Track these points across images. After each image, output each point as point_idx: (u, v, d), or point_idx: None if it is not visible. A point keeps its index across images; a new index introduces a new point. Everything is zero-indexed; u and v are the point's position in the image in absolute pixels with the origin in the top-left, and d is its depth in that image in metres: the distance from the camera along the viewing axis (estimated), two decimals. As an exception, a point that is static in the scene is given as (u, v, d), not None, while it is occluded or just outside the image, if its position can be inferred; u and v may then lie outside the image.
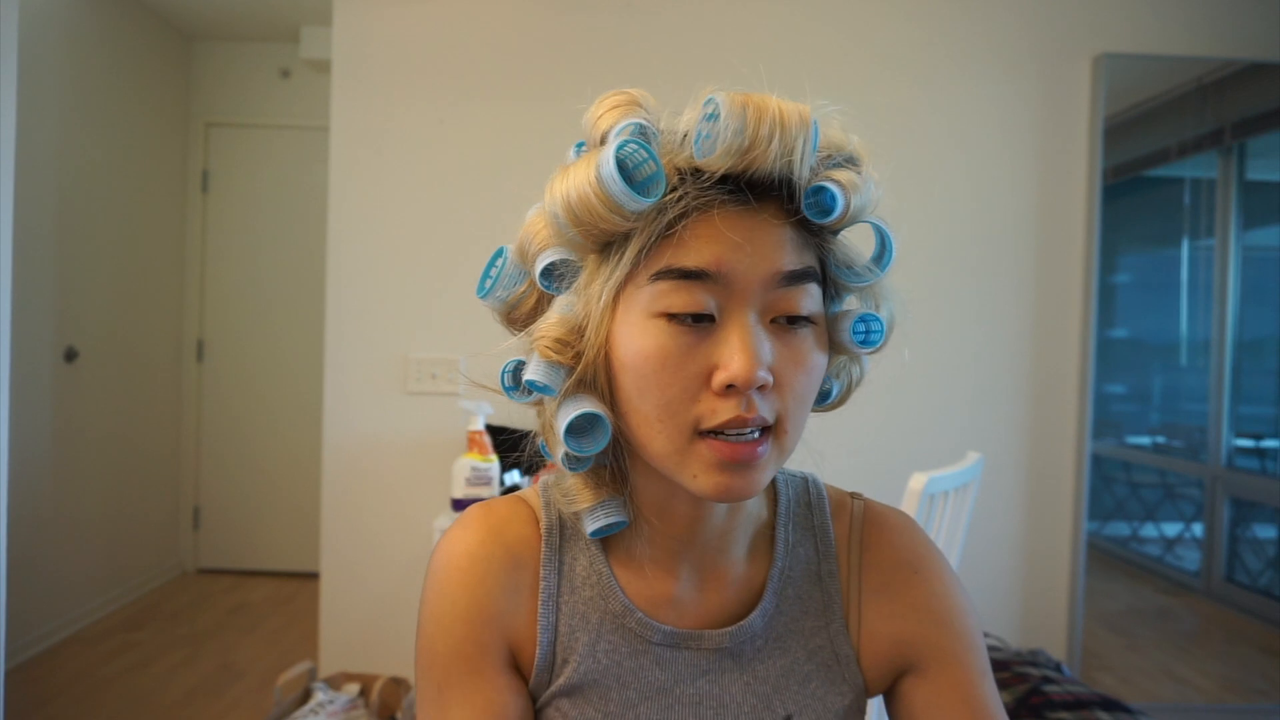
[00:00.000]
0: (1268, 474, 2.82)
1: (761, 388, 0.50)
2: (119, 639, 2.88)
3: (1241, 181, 2.68)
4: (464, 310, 2.37)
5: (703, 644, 0.59)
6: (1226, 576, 2.76)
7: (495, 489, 2.01)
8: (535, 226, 0.58)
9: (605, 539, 0.62)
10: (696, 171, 0.51)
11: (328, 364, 2.35)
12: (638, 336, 0.51)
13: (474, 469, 1.98)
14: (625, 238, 0.52)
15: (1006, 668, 2.11)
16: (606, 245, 0.54)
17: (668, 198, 0.51)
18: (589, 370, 0.54)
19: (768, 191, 0.52)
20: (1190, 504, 2.89)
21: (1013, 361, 2.43)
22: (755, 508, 0.64)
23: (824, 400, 0.62)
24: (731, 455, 0.51)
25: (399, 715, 2.04)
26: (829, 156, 0.53)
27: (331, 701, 1.94)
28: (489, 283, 0.60)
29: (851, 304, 0.60)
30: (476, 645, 0.58)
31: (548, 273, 0.56)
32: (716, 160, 0.50)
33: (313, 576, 3.44)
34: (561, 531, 0.62)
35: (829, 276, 0.57)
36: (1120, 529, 2.96)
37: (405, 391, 2.36)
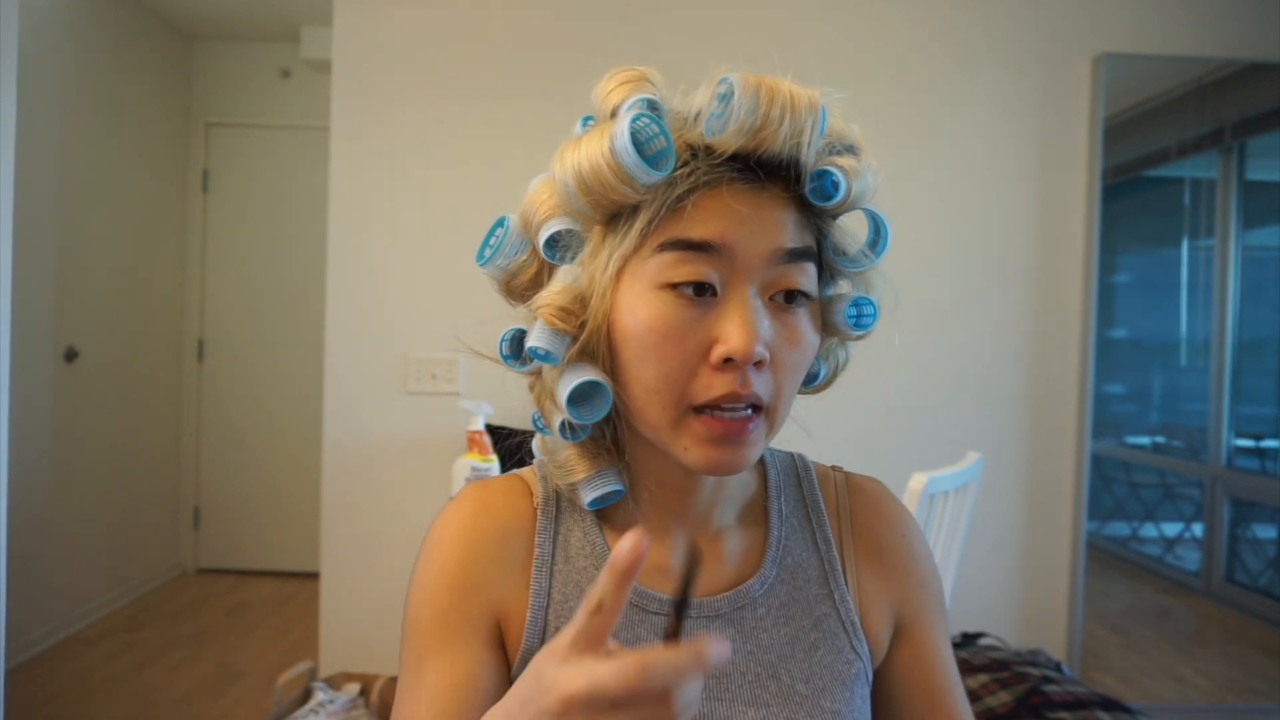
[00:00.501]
0: (1268, 474, 2.82)
1: (758, 364, 0.51)
2: (119, 639, 2.88)
3: (1241, 181, 2.68)
4: (464, 310, 2.37)
5: (700, 611, 0.60)
6: (1226, 576, 2.76)
7: (495, 489, 2.01)
8: (540, 196, 0.58)
9: (600, 511, 0.62)
10: (707, 149, 0.53)
11: (328, 364, 2.35)
12: (641, 307, 0.52)
13: (474, 469, 1.98)
14: (633, 210, 0.53)
15: (1006, 667, 2.11)
16: (614, 217, 0.54)
17: (678, 172, 0.52)
18: (592, 339, 0.55)
19: (774, 172, 0.53)
20: (1190, 504, 2.89)
21: (1013, 361, 2.43)
22: (744, 479, 0.65)
23: (811, 382, 0.64)
24: (723, 431, 0.52)
25: (399, 715, 2.04)
26: (831, 144, 0.55)
27: (331, 701, 1.94)
28: (489, 251, 0.61)
29: (844, 288, 0.61)
30: (460, 613, 0.58)
31: (551, 242, 0.57)
32: (728, 138, 0.51)
33: (313, 576, 3.44)
34: (558, 504, 0.62)
35: (824, 261, 0.58)
36: (1120, 529, 2.96)
37: (405, 391, 2.36)
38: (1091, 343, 2.41)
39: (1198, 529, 2.84)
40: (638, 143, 0.51)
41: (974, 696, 1.97)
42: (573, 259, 0.56)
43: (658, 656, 0.36)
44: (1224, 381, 2.68)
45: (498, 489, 0.64)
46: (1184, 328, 2.81)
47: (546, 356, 0.55)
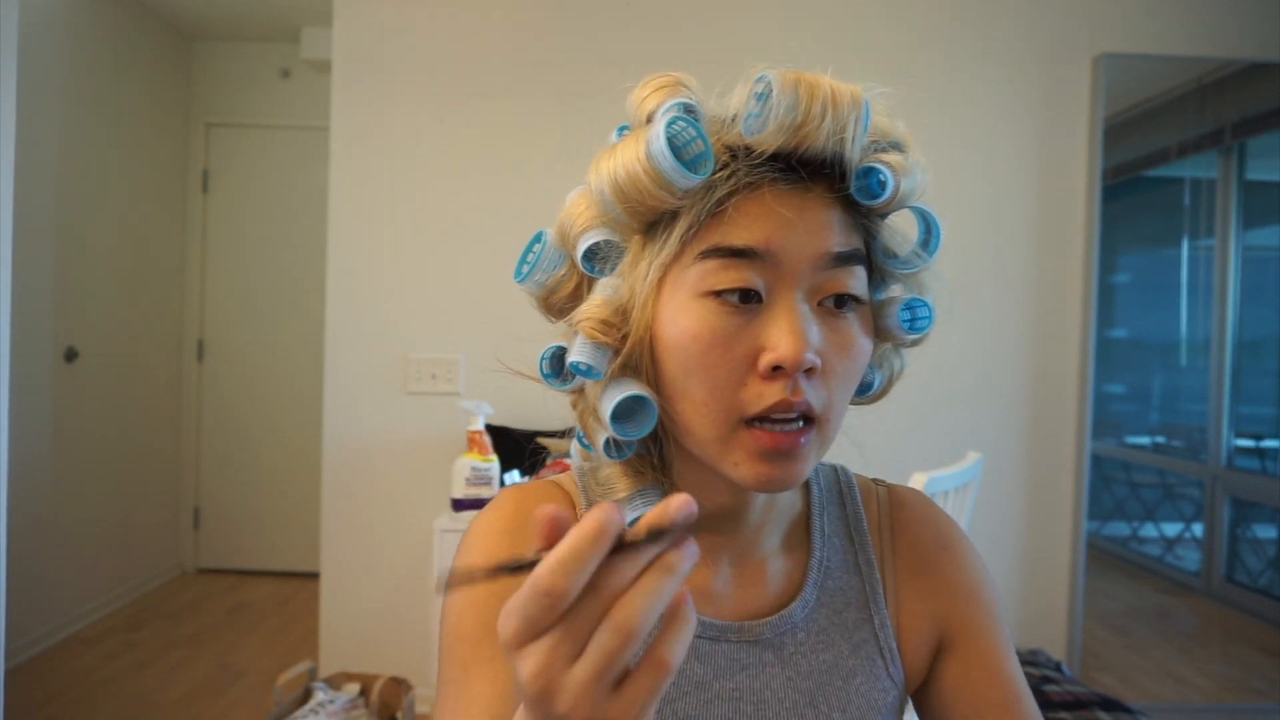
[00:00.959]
0: (1268, 474, 2.82)
1: (809, 371, 0.50)
2: (119, 639, 2.88)
3: (1241, 181, 2.68)
4: (464, 310, 2.37)
5: (742, 636, 0.58)
6: (1226, 576, 2.76)
7: (495, 489, 2.01)
8: (577, 208, 0.56)
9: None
10: (746, 150, 0.51)
11: (328, 364, 2.35)
12: (684, 317, 0.51)
13: (474, 469, 1.98)
14: (672, 216, 0.51)
15: (1006, 668, 2.11)
16: (652, 225, 0.53)
17: (717, 175, 0.50)
18: (634, 352, 0.53)
19: (818, 171, 0.52)
20: (1190, 504, 2.89)
21: (1013, 361, 2.43)
22: (791, 498, 0.63)
23: (865, 392, 0.61)
24: (774, 445, 0.50)
25: (399, 715, 2.04)
26: (875, 141, 0.53)
27: (331, 701, 1.94)
28: (527, 267, 0.58)
29: (896, 291, 0.59)
30: None
31: (590, 254, 0.55)
32: (768, 137, 0.49)
33: (313, 576, 3.43)
34: None
35: (874, 263, 0.56)
36: (1120, 529, 2.96)
37: (405, 391, 2.36)
38: (1091, 343, 2.41)
39: (1198, 529, 2.84)
40: (674, 147, 0.49)
41: (974, 696, 1.97)
42: (612, 270, 0.55)
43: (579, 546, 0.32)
44: (1224, 381, 2.68)
45: (538, 495, 0.61)
46: (1184, 328, 2.81)
47: (588, 371, 0.53)
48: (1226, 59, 2.49)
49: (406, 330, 2.36)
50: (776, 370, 0.49)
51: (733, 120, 0.52)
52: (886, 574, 0.63)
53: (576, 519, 0.57)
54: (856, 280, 0.52)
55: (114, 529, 3.16)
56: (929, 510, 0.66)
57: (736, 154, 0.51)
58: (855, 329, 0.53)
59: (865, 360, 0.54)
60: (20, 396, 2.08)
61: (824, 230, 0.51)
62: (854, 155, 0.51)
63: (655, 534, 0.34)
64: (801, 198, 0.51)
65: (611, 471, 0.58)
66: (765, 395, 0.49)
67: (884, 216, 0.56)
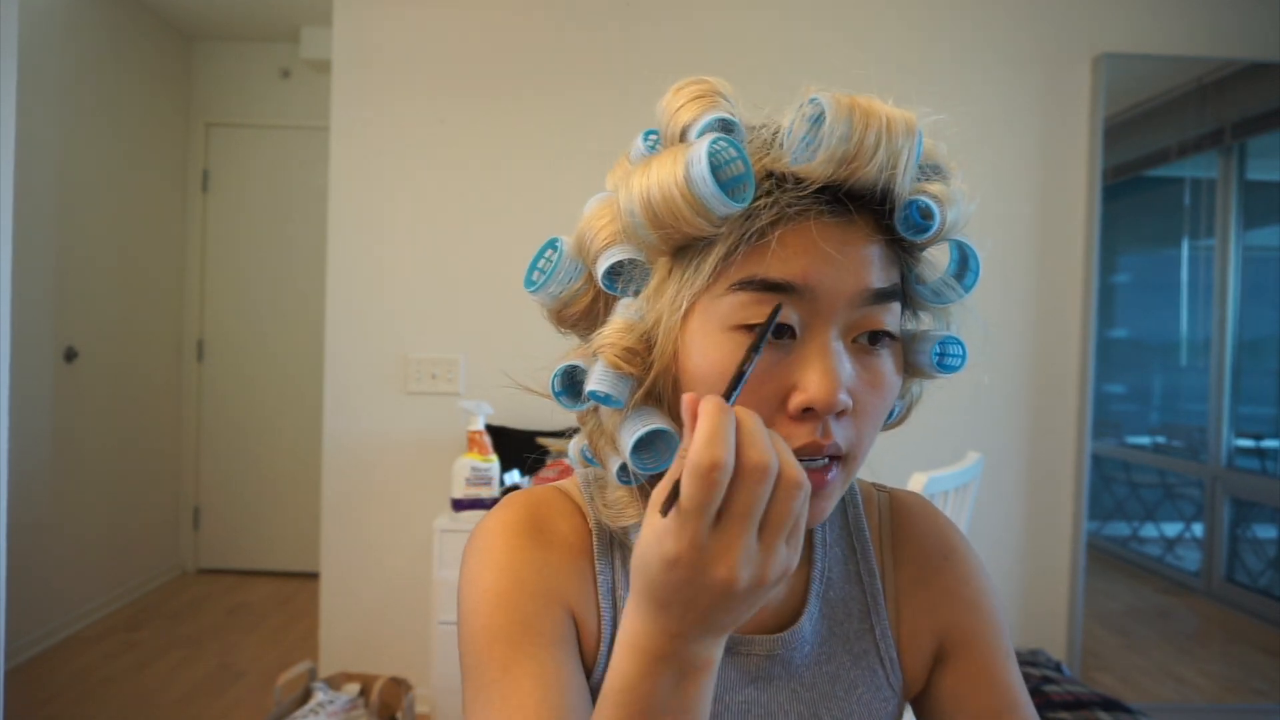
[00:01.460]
0: (1268, 474, 2.82)
1: (840, 413, 0.48)
2: (119, 639, 2.88)
3: (1241, 181, 2.68)
4: (464, 310, 2.37)
5: (753, 649, 0.57)
6: (1226, 576, 2.76)
7: (495, 489, 2.01)
8: (599, 221, 0.53)
9: None
10: (791, 177, 0.48)
11: (328, 364, 2.35)
12: (712, 350, 0.48)
13: (474, 469, 1.98)
14: (706, 243, 0.48)
15: (1006, 668, 2.11)
16: (682, 249, 0.49)
17: (759, 202, 0.47)
18: (658, 383, 0.51)
19: (865, 204, 0.49)
20: (1190, 504, 2.89)
21: (1013, 361, 2.43)
22: None
23: (887, 420, 0.59)
24: None
25: (399, 715, 2.04)
26: (922, 168, 0.50)
27: (331, 701, 1.94)
28: (539, 275, 0.55)
29: (926, 323, 0.57)
30: (546, 618, 0.53)
31: (612, 272, 0.52)
32: (818, 168, 0.46)
33: (313, 576, 3.43)
34: (609, 532, 0.59)
35: (908, 294, 0.53)
36: (1120, 529, 2.96)
37: (405, 391, 2.36)
38: (1091, 343, 2.40)
39: (1198, 529, 2.84)
40: (714, 168, 0.46)
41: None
42: (636, 292, 0.52)
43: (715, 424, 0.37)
44: (1224, 381, 2.68)
45: (550, 502, 0.59)
46: (1184, 328, 2.81)
47: (608, 400, 0.50)
48: (1226, 59, 2.49)
49: (406, 330, 2.36)
50: (807, 412, 0.47)
51: (773, 140, 0.49)
52: (888, 583, 0.62)
53: (588, 528, 0.57)
54: (892, 316, 0.50)
55: (114, 529, 3.16)
56: (931, 517, 0.65)
57: (780, 181, 0.48)
58: (888, 366, 0.51)
59: (894, 396, 0.52)
60: (20, 396, 2.08)
61: (865, 266, 0.48)
62: (903, 188, 0.48)
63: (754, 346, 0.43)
64: (845, 231, 0.48)
65: (621, 495, 0.56)
66: (794, 436, 0.47)
67: (923, 249, 0.53)
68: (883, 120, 0.46)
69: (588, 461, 0.59)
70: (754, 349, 0.43)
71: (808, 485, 0.39)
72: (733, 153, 0.47)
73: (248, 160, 3.66)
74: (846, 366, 0.48)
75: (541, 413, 2.29)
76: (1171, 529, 2.92)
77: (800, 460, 0.47)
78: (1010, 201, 2.42)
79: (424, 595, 2.25)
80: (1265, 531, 2.81)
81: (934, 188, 0.49)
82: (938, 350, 0.56)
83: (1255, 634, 2.66)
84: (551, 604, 0.54)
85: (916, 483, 1.48)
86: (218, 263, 3.67)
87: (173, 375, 3.59)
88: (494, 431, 2.18)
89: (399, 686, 2.06)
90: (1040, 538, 2.43)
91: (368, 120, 2.34)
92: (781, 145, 0.48)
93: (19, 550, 1.71)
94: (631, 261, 0.52)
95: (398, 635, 2.34)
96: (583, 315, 0.56)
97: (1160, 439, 2.98)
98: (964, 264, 0.53)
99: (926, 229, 0.49)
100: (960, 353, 0.56)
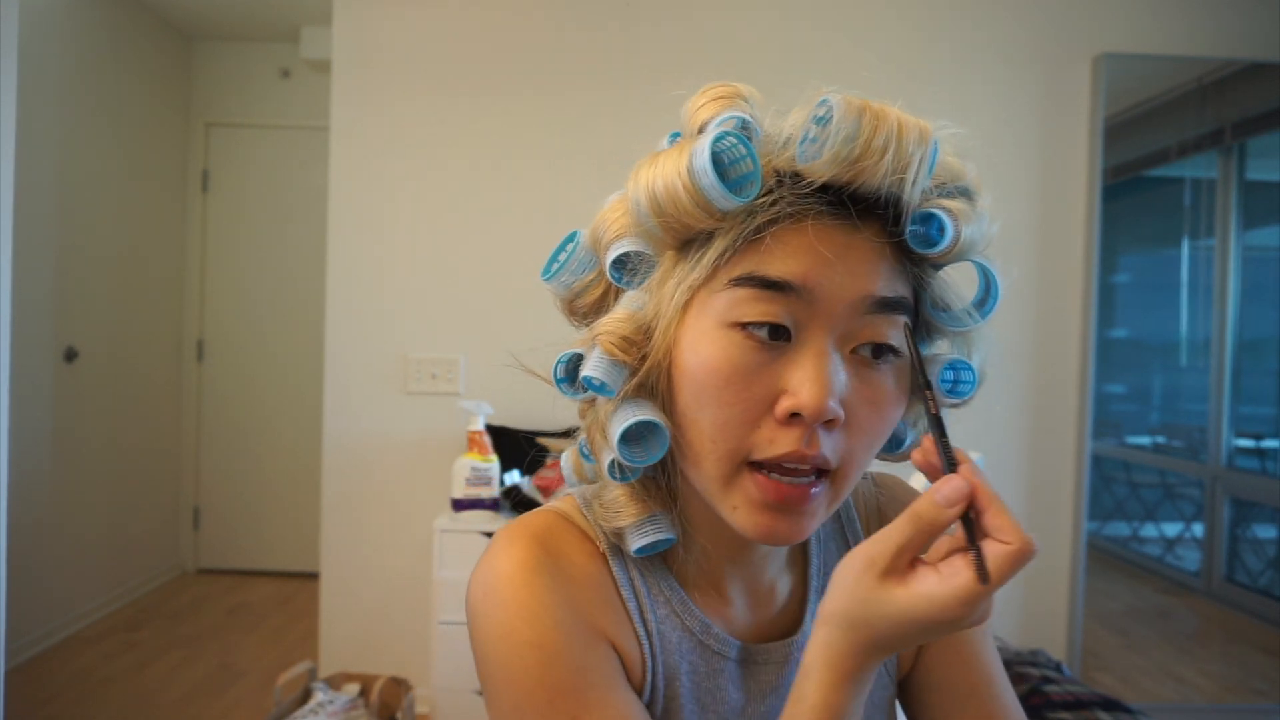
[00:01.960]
0: (1268, 474, 2.82)
1: (830, 422, 0.47)
2: (119, 639, 2.88)
3: (1241, 181, 2.68)
4: (464, 310, 2.37)
5: (770, 658, 0.58)
6: (1226, 576, 2.76)
7: (495, 489, 2.01)
8: (613, 214, 0.53)
9: (653, 560, 0.57)
10: (796, 176, 0.47)
11: (328, 364, 2.35)
12: (705, 345, 0.48)
13: (474, 469, 1.98)
14: (708, 237, 0.48)
15: (1007, 668, 2.11)
16: (686, 243, 0.49)
17: (760, 200, 0.47)
18: (652, 374, 0.50)
19: (871, 209, 0.48)
20: (1190, 504, 2.89)
21: (1013, 361, 2.43)
22: None
23: (895, 448, 0.58)
24: (777, 496, 0.47)
25: (399, 715, 2.04)
26: (943, 184, 0.49)
27: (331, 701, 1.94)
28: (556, 266, 0.55)
29: (941, 348, 0.55)
30: (594, 655, 0.51)
31: (619, 264, 0.52)
32: (821, 166, 0.46)
33: (313, 576, 3.43)
34: (620, 549, 0.57)
35: (921, 315, 0.52)
36: (1120, 529, 2.96)
37: (405, 391, 2.36)
38: (1091, 343, 2.40)
39: (1198, 529, 2.84)
40: (720, 164, 0.46)
41: (974, 696, 1.97)
42: (641, 284, 0.52)
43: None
44: (1224, 381, 2.67)
45: (556, 531, 0.56)
46: (1184, 328, 2.81)
47: (601, 388, 0.50)
48: (1226, 59, 2.49)
49: (406, 330, 2.36)
50: (794, 417, 0.46)
51: (786, 142, 0.48)
52: None
53: (599, 551, 0.56)
54: (897, 330, 0.49)
55: (114, 529, 3.16)
56: (908, 497, 0.67)
57: (784, 180, 0.47)
58: (890, 383, 0.49)
59: (896, 418, 0.50)
60: (20, 396, 2.08)
61: (868, 273, 0.47)
62: (913, 197, 0.47)
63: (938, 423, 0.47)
64: (848, 236, 0.47)
65: (618, 495, 0.55)
66: (778, 442, 0.47)
67: (938, 267, 0.52)
68: (894, 125, 0.45)
69: (584, 457, 0.58)
70: (926, 386, 0.47)
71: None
72: (742, 150, 0.46)
73: (248, 160, 3.65)
74: (840, 375, 0.47)
75: (542, 413, 2.29)
76: (1171, 529, 2.92)
77: (783, 468, 0.47)
78: (1010, 201, 2.42)
79: (424, 595, 2.25)
80: (1265, 531, 2.81)
81: (952, 203, 0.48)
82: (949, 376, 0.54)
83: (1255, 634, 2.66)
84: (595, 641, 0.52)
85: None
86: (218, 263, 3.66)
87: (173, 375, 3.59)
88: (494, 431, 2.18)
89: (399, 686, 2.06)
90: (1040, 538, 2.39)
91: (368, 120, 2.34)
92: (790, 144, 0.48)
93: (19, 550, 1.71)
94: (639, 254, 0.52)
95: (398, 635, 2.34)
96: (593, 307, 0.56)
97: (1160, 439, 2.98)
98: (986, 289, 0.52)
99: (937, 243, 0.48)
100: (971, 379, 0.54)
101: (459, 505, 1.98)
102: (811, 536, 0.62)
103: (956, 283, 0.53)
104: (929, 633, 0.43)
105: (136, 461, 3.32)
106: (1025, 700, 1.98)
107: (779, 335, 0.47)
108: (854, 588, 0.44)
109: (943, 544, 0.45)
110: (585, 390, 0.53)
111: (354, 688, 2.06)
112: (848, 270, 0.47)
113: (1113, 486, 2.91)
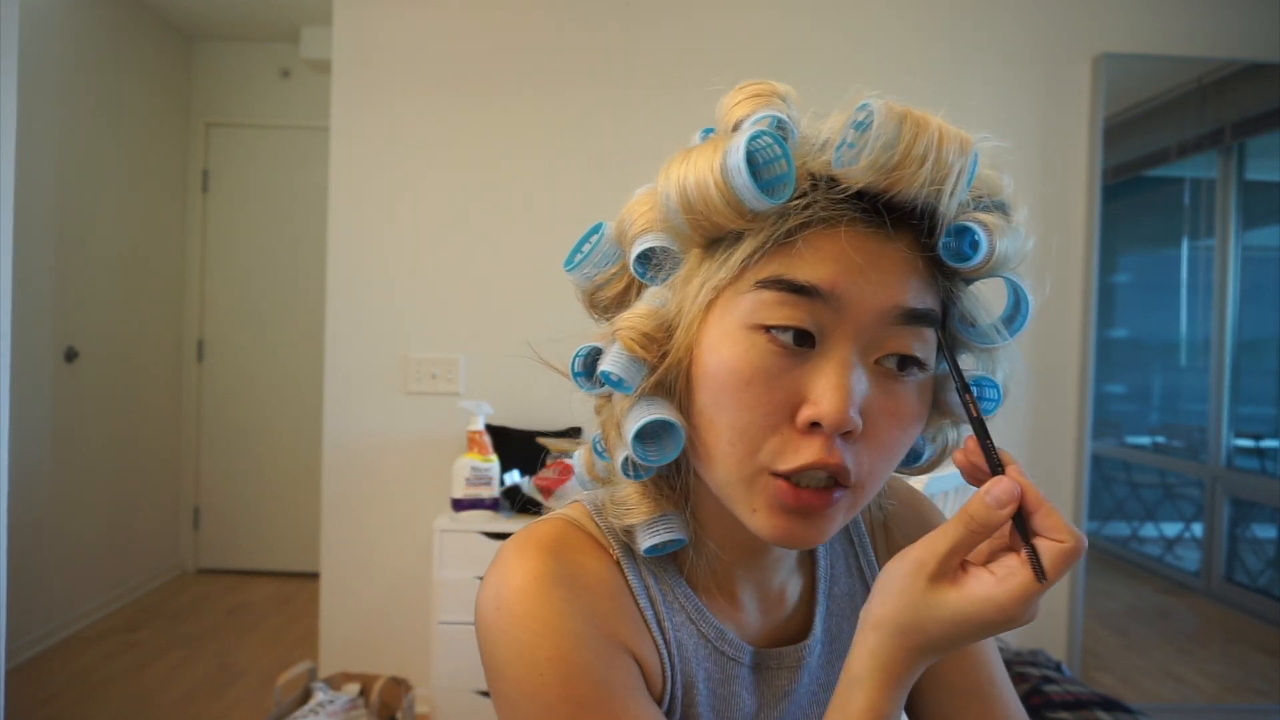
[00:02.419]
0: (1268, 474, 2.82)
1: (848, 434, 0.46)
2: (119, 639, 2.88)
3: (1241, 181, 2.68)
4: (464, 310, 2.37)
5: (782, 663, 0.57)
6: (1226, 576, 2.76)
7: (495, 489, 2.01)
8: (640, 208, 0.52)
9: (665, 565, 0.56)
10: (831, 180, 0.46)
11: (328, 364, 2.35)
12: (727, 346, 0.47)
13: (474, 469, 1.98)
14: (737, 237, 0.47)
15: (1007, 668, 2.11)
16: (714, 241, 0.49)
17: (793, 202, 0.46)
18: (670, 373, 0.49)
19: (905, 219, 0.47)
20: (1190, 504, 2.89)
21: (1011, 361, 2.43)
22: None
23: (913, 461, 0.57)
24: (798, 502, 0.46)
25: (399, 715, 2.04)
26: (980, 197, 0.49)
27: (331, 701, 1.94)
28: (579, 257, 0.55)
29: (966, 363, 0.54)
30: (616, 669, 0.50)
31: (644, 259, 0.51)
32: (858, 172, 0.45)
33: (313, 576, 3.43)
34: (633, 554, 0.56)
35: (948, 329, 0.51)
36: (1120, 529, 2.96)
37: (405, 391, 2.36)
38: (1092, 343, 2.41)
39: (1198, 529, 2.84)
40: (754, 164, 0.45)
41: (974, 696, 1.97)
42: (665, 280, 0.51)
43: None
44: (1224, 381, 2.68)
45: (567, 540, 0.54)
46: (1184, 328, 2.81)
47: (619, 384, 0.49)
48: (1226, 59, 2.49)
49: (406, 330, 2.36)
50: (814, 426, 0.45)
51: (823, 146, 0.47)
52: None
53: (612, 558, 0.55)
54: (924, 344, 0.48)
55: (114, 529, 3.16)
56: (913, 495, 0.67)
57: (818, 183, 0.47)
58: (913, 396, 0.48)
59: (916, 432, 0.50)
60: (20, 396, 2.08)
61: (898, 283, 0.46)
62: (949, 210, 0.46)
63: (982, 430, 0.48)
64: (880, 245, 0.46)
65: (630, 492, 0.54)
66: (800, 451, 0.46)
67: (969, 281, 0.51)
68: (934, 134, 0.45)
69: (598, 454, 0.57)
70: (965, 390, 0.47)
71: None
72: (777, 150, 0.46)
73: (248, 160, 3.65)
74: (863, 385, 0.46)
75: (542, 413, 2.30)
76: (1171, 529, 2.92)
77: (802, 479, 0.46)
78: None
79: (424, 595, 2.25)
80: (1265, 531, 2.81)
81: (987, 217, 0.47)
82: (973, 393, 0.54)
83: (1255, 634, 2.66)
84: (617, 653, 0.51)
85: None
86: (218, 263, 3.66)
87: (173, 375, 3.59)
88: (494, 431, 2.18)
89: (399, 686, 2.06)
90: (1040, 538, 2.43)
91: (367, 120, 2.34)
92: (827, 148, 0.47)
93: (19, 550, 1.72)
94: (664, 250, 0.51)
95: (398, 635, 2.34)
96: (615, 301, 0.55)
97: (1160, 439, 2.98)
98: (1015, 306, 0.51)
99: (970, 258, 0.47)
100: (996, 396, 0.53)
101: (459, 505, 1.98)
102: None
103: (985, 297, 0.52)
104: (983, 633, 0.43)
105: (136, 461, 3.32)
106: (1025, 700, 1.98)
107: (803, 341, 0.46)
108: (904, 592, 0.44)
109: (982, 546, 0.45)
110: (602, 385, 0.52)
111: (354, 688, 2.06)
112: (878, 279, 0.46)
113: (1113, 486, 2.91)
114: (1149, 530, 2.94)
